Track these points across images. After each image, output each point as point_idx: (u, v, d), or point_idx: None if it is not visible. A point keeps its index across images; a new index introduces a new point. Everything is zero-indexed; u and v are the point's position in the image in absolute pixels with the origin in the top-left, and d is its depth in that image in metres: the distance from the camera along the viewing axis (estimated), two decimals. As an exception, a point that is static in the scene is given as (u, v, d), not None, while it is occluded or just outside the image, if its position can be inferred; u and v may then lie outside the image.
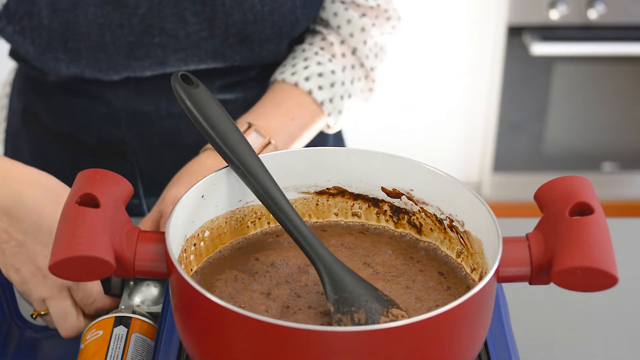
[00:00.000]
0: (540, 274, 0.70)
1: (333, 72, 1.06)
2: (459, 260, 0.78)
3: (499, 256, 0.68)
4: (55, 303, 0.83)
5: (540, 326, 0.88)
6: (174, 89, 0.75)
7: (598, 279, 0.66)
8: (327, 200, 0.83)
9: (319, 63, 1.06)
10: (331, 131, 1.11)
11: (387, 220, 0.83)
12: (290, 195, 0.82)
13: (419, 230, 0.81)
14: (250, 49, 1.05)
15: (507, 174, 2.59)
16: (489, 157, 2.57)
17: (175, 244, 0.71)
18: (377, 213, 0.83)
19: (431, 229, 0.80)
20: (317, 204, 0.83)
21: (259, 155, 0.76)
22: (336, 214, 0.84)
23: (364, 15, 1.08)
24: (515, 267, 0.70)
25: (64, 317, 0.83)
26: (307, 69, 1.06)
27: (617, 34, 2.37)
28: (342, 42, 1.09)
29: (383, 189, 0.82)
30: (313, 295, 0.73)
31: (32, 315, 0.85)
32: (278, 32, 1.04)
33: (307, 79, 1.05)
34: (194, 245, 0.76)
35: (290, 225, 0.72)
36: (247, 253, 0.79)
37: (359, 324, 0.68)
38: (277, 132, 1.00)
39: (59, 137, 1.14)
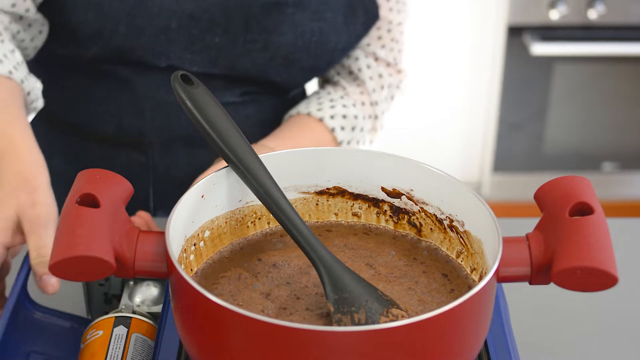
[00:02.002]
0: (540, 274, 0.70)
1: (356, 117, 1.14)
2: (459, 260, 0.78)
3: (499, 256, 0.68)
4: None
5: (540, 326, 0.88)
6: (173, 88, 0.75)
7: (598, 279, 0.66)
8: (327, 200, 0.83)
9: (344, 106, 1.13)
10: None
11: (387, 221, 0.83)
12: (290, 195, 0.82)
13: (419, 230, 0.81)
14: (289, 73, 1.11)
15: (507, 174, 2.59)
16: (489, 157, 2.57)
17: (175, 244, 0.71)
18: (377, 213, 0.83)
19: (431, 229, 0.80)
20: (317, 204, 0.83)
21: (259, 156, 0.76)
22: (336, 214, 0.84)
23: (386, 66, 1.19)
24: (515, 267, 0.70)
25: None
26: (333, 108, 1.12)
27: (617, 34, 2.37)
28: (362, 92, 1.16)
29: (383, 189, 0.82)
30: (312, 297, 0.73)
31: None
32: (315, 65, 1.11)
33: (332, 117, 1.12)
34: (194, 245, 0.76)
35: (291, 226, 0.72)
36: (249, 253, 0.79)
37: (359, 324, 0.68)
38: None
39: (69, 125, 1.14)
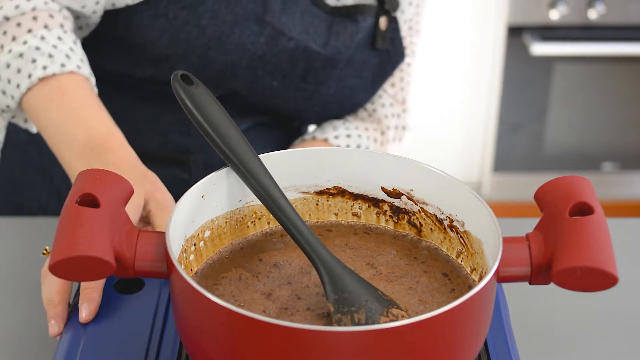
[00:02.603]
0: (540, 274, 0.70)
1: (360, 136, 1.16)
2: (459, 260, 0.78)
3: (499, 256, 0.68)
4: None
5: (540, 326, 0.88)
6: (173, 88, 0.75)
7: (598, 279, 0.66)
8: (327, 200, 0.83)
9: (359, 136, 1.16)
10: None
11: (387, 221, 0.83)
12: (290, 195, 0.82)
13: (419, 230, 0.81)
14: (318, 116, 1.17)
15: (507, 174, 2.59)
16: (489, 157, 2.57)
17: (175, 244, 0.71)
18: (377, 213, 0.83)
19: (431, 229, 0.80)
20: (317, 204, 0.83)
21: (259, 155, 0.76)
22: (336, 214, 0.84)
23: (394, 102, 1.24)
24: (515, 267, 0.70)
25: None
26: (349, 137, 1.16)
27: (617, 34, 2.37)
28: (375, 129, 1.20)
29: (383, 189, 0.82)
30: (313, 297, 0.73)
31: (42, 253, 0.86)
32: (343, 112, 1.17)
33: (336, 137, 1.15)
34: (194, 245, 0.76)
35: (291, 226, 0.72)
36: (249, 253, 0.79)
37: (359, 324, 0.68)
38: None
39: None
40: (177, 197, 0.75)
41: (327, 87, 1.12)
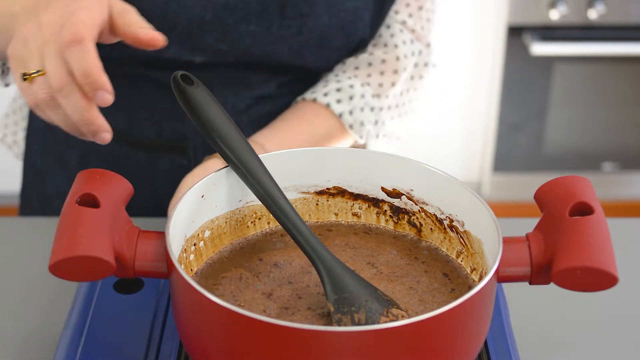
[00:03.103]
0: (540, 274, 0.70)
1: (351, 86, 1.10)
2: (459, 260, 0.78)
3: (499, 256, 0.68)
4: (48, 49, 0.75)
5: (540, 326, 0.88)
6: (173, 88, 0.75)
7: (598, 279, 0.66)
8: (327, 200, 0.83)
9: (338, 81, 1.10)
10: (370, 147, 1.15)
11: (387, 221, 0.83)
12: (290, 195, 0.82)
13: (419, 230, 0.81)
14: (323, 54, 1.08)
15: (507, 174, 2.59)
16: (489, 157, 2.57)
17: (175, 244, 0.71)
18: (377, 213, 0.83)
19: (431, 229, 0.80)
20: (317, 204, 0.83)
21: (259, 156, 0.76)
22: (336, 214, 0.84)
23: (414, 36, 1.15)
24: (515, 267, 0.70)
25: (53, 66, 0.74)
26: (326, 86, 1.09)
27: (617, 34, 2.37)
28: (369, 74, 1.12)
29: (383, 189, 0.82)
30: (314, 297, 0.73)
31: (23, 77, 0.76)
32: (348, 45, 1.09)
33: (325, 94, 1.08)
34: (194, 245, 0.76)
35: (291, 226, 0.72)
36: (250, 253, 0.79)
37: (359, 324, 0.68)
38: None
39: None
40: (178, 184, 0.75)
41: (316, 17, 1.05)
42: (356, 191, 0.82)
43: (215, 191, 0.77)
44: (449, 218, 0.78)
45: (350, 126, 1.08)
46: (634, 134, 2.55)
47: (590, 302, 0.90)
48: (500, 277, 0.70)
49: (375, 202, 0.82)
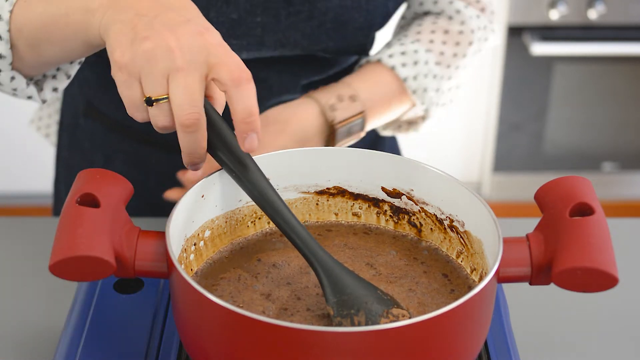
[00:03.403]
0: (540, 274, 0.70)
1: (416, 51, 1.07)
2: (459, 260, 0.78)
3: (499, 256, 0.68)
4: (183, 77, 0.69)
5: (540, 326, 0.88)
6: None
7: (598, 280, 0.66)
8: (327, 200, 0.83)
9: (402, 44, 1.07)
10: (422, 124, 1.13)
11: (387, 221, 0.83)
12: (290, 195, 0.82)
13: (419, 230, 0.81)
14: (343, 36, 1.04)
15: (507, 174, 2.59)
16: (489, 157, 2.57)
17: (175, 244, 0.71)
18: (377, 213, 0.83)
19: (431, 229, 0.80)
20: (317, 204, 0.83)
21: (258, 155, 0.76)
22: (336, 214, 0.84)
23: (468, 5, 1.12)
24: (516, 268, 0.70)
25: (185, 99, 0.69)
26: (389, 48, 1.07)
27: (617, 34, 2.37)
28: (433, 32, 1.10)
29: (383, 189, 0.82)
30: (313, 298, 0.73)
31: (148, 102, 0.70)
32: (370, 22, 1.05)
33: (390, 56, 1.05)
34: (194, 245, 0.76)
35: (287, 228, 0.72)
36: (249, 253, 0.79)
37: (359, 326, 0.68)
38: (368, 104, 1.02)
39: (129, 130, 1.12)
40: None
41: (326, 0, 1.01)
42: (356, 191, 0.82)
43: (215, 191, 0.77)
44: (449, 218, 0.78)
45: (414, 91, 1.06)
46: (634, 134, 2.55)
47: (590, 302, 0.90)
48: (501, 278, 0.70)
49: (375, 202, 0.82)
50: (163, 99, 0.70)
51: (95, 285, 0.84)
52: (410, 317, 0.70)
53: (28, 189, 2.53)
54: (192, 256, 0.76)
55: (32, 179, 2.51)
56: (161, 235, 0.70)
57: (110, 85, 1.12)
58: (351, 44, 1.06)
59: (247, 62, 1.03)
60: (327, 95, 1.01)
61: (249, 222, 0.81)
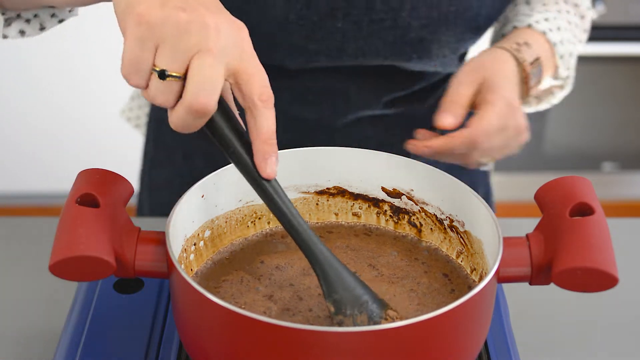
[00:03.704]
0: (540, 274, 0.70)
1: (555, 18, 1.04)
2: (459, 260, 0.78)
3: (499, 256, 0.68)
4: (210, 60, 0.63)
5: (540, 326, 0.88)
6: None
7: (598, 280, 0.66)
8: (327, 200, 0.83)
9: (539, 12, 1.04)
10: (559, 93, 1.09)
11: (387, 221, 0.83)
12: (291, 195, 0.82)
13: (419, 230, 0.81)
14: (428, 49, 1.01)
15: (507, 174, 2.59)
16: (489, 157, 2.57)
17: (175, 244, 0.71)
18: (377, 213, 0.83)
19: (431, 229, 0.80)
20: (317, 204, 0.83)
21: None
22: (336, 214, 0.84)
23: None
24: (516, 268, 0.70)
25: (207, 84, 0.63)
26: (530, 16, 1.03)
27: (617, 34, 2.37)
28: (556, 2, 1.07)
29: (383, 189, 0.82)
30: (315, 298, 0.73)
31: (162, 74, 0.64)
32: (457, 38, 1.01)
33: (537, 22, 1.02)
34: (194, 245, 0.76)
35: (290, 226, 0.71)
36: (250, 254, 0.79)
37: (359, 326, 0.68)
38: (540, 53, 0.99)
39: None
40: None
41: (412, 10, 0.97)
42: (356, 191, 0.82)
43: (215, 191, 0.77)
44: (449, 218, 0.78)
45: (561, 56, 1.03)
46: (634, 134, 2.55)
47: (590, 302, 0.90)
48: (501, 278, 0.70)
49: (375, 202, 0.82)
50: (177, 77, 0.64)
51: (95, 285, 0.84)
52: (400, 319, 0.69)
53: (28, 189, 2.53)
54: (192, 256, 0.76)
55: (32, 179, 2.51)
56: (161, 235, 0.70)
57: None
58: (436, 59, 1.03)
59: (327, 72, 1.02)
60: (506, 42, 0.98)
61: (249, 222, 0.81)
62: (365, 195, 0.82)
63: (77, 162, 2.35)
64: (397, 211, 0.82)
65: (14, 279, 0.95)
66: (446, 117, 0.89)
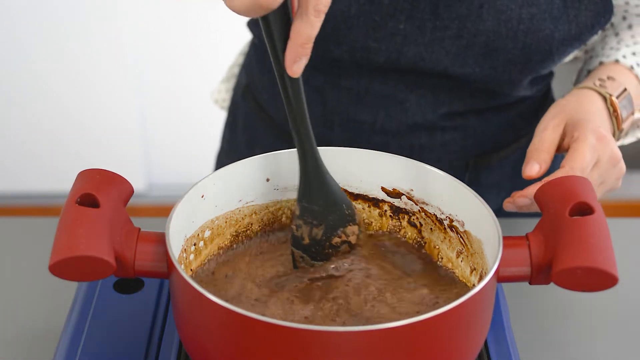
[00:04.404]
0: (540, 274, 0.70)
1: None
2: (459, 260, 0.78)
3: (499, 256, 0.68)
4: None
5: (540, 326, 0.88)
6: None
7: (598, 279, 0.66)
8: (327, 200, 0.83)
9: (627, 46, 1.00)
10: None
11: (387, 221, 0.83)
12: (291, 196, 0.82)
13: (419, 230, 0.81)
14: (492, 65, 0.98)
15: (507, 173, 2.59)
16: (489, 157, 2.57)
17: (175, 244, 0.71)
18: (377, 213, 0.83)
19: (431, 229, 0.80)
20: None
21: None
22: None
23: None
24: (515, 267, 0.70)
25: None
26: (618, 50, 1.00)
27: (617, 34, 2.37)
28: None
29: (383, 189, 0.82)
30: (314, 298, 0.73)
31: None
32: (526, 58, 0.97)
33: (624, 57, 0.99)
34: (194, 245, 0.76)
35: (295, 128, 0.73)
36: (250, 254, 0.79)
37: (314, 237, 0.74)
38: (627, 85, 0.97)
39: (272, 119, 1.11)
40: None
41: (479, 22, 0.94)
42: (356, 191, 0.82)
43: (215, 191, 0.77)
44: (449, 218, 0.78)
45: None
46: (634, 133, 2.55)
47: (590, 302, 0.90)
48: (500, 277, 0.70)
49: (375, 202, 0.82)
50: None
51: (95, 285, 0.84)
52: (358, 235, 0.77)
53: (28, 189, 2.53)
54: (192, 256, 0.76)
55: (32, 179, 2.51)
56: (161, 235, 0.70)
57: (265, 71, 1.10)
58: (501, 76, 0.99)
59: (386, 77, 1.00)
60: (589, 81, 0.96)
61: (249, 222, 0.81)
62: (365, 195, 0.82)
63: (77, 162, 2.35)
64: (397, 211, 0.82)
65: (14, 279, 0.95)
66: (532, 166, 0.87)
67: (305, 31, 0.68)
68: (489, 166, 1.08)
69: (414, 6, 0.95)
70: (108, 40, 2.32)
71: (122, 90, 2.39)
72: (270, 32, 0.68)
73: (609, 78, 0.95)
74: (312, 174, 0.74)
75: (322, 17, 0.68)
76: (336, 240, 0.77)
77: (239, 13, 0.66)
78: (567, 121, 0.90)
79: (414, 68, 0.98)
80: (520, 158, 1.10)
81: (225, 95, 1.27)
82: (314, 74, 1.03)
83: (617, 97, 0.94)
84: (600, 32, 1.05)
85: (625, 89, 0.95)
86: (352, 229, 0.77)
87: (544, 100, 1.14)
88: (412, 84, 1.01)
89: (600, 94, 0.93)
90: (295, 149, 0.74)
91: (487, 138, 1.07)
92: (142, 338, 0.78)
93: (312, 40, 0.68)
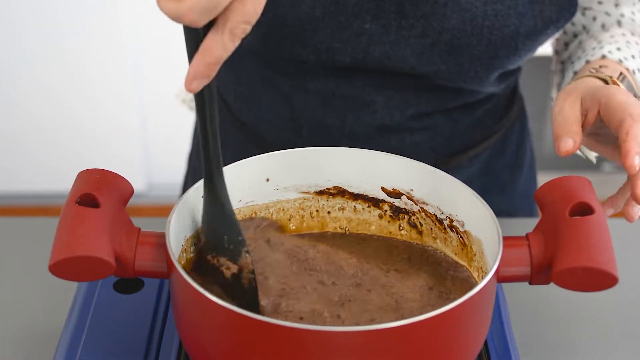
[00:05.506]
0: (540, 274, 0.70)
1: (627, 46, 0.98)
2: (459, 260, 0.78)
3: (499, 256, 0.68)
4: None
5: (540, 326, 0.88)
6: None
7: (598, 279, 0.66)
8: (327, 200, 0.83)
9: (609, 43, 0.98)
10: None
11: (387, 221, 0.83)
12: (291, 195, 0.82)
13: (419, 230, 0.81)
14: (458, 62, 0.97)
15: (507, 173, 2.59)
16: (489, 157, 2.57)
17: (175, 244, 0.71)
18: (377, 213, 0.83)
19: (431, 229, 0.80)
20: (317, 208, 0.83)
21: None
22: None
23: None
24: (515, 267, 0.70)
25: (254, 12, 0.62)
26: (602, 48, 0.97)
27: None
28: (623, 34, 1.01)
29: (383, 189, 0.82)
30: (314, 297, 0.73)
31: None
32: (492, 54, 0.97)
33: (610, 52, 0.96)
34: (194, 245, 0.76)
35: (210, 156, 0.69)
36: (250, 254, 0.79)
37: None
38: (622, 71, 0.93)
39: (239, 121, 1.11)
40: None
41: (444, 20, 0.94)
42: (356, 191, 0.82)
43: (215, 191, 0.77)
44: (449, 218, 0.78)
45: (634, 72, 0.96)
46: (634, 133, 2.55)
47: (590, 302, 0.90)
48: (500, 277, 0.70)
49: (375, 202, 0.82)
50: None
51: (95, 285, 0.84)
52: (230, 269, 0.72)
53: (28, 189, 2.53)
54: (192, 256, 0.76)
55: (32, 179, 2.51)
56: (161, 235, 0.70)
57: (229, 71, 1.07)
58: (468, 72, 0.99)
59: (353, 78, 0.99)
60: (584, 71, 0.93)
61: (249, 222, 0.81)
62: (365, 195, 0.82)
63: (77, 162, 2.35)
64: (397, 211, 0.82)
65: (14, 279, 0.95)
66: (566, 142, 0.81)
67: (217, 51, 0.62)
68: (459, 166, 1.08)
69: (380, 6, 0.95)
70: (108, 40, 2.32)
71: (122, 90, 2.39)
72: (189, 39, 0.63)
73: (601, 67, 0.93)
74: (210, 199, 0.71)
75: (237, 42, 0.62)
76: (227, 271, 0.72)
77: (169, 16, 0.61)
78: (582, 96, 0.85)
79: (380, 68, 0.98)
80: (490, 157, 1.11)
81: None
82: (281, 78, 1.03)
83: (617, 78, 0.90)
84: (574, 39, 1.05)
85: (621, 73, 0.92)
86: (226, 262, 0.72)
87: (511, 98, 1.15)
88: (379, 85, 1.00)
89: (600, 78, 0.90)
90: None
91: (456, 138, 1.07)
92: (142, 338, 0.78)
93: (221, 62, 0.62)
